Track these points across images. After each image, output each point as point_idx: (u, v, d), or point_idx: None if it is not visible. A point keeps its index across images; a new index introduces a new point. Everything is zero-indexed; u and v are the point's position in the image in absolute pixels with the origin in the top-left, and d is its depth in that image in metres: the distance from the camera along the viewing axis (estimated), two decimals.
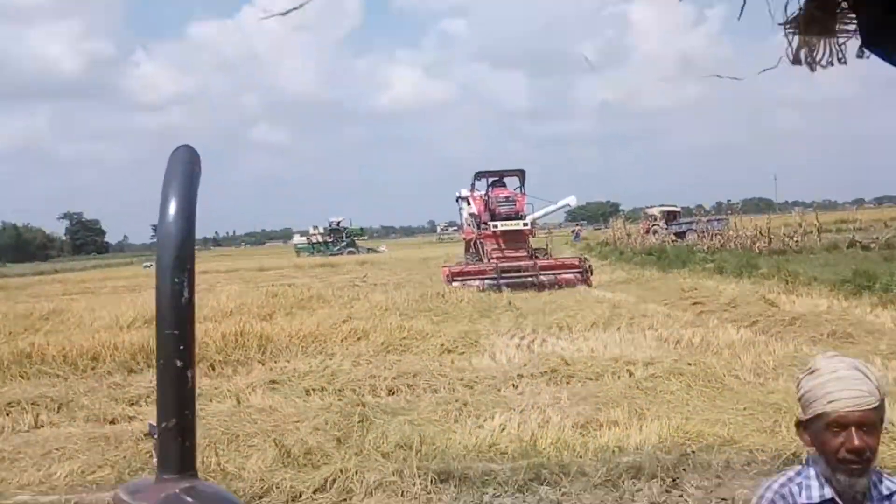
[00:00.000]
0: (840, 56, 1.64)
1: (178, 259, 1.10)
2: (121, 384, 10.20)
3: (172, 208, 1.11)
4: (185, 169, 1.15)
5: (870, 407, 1.93)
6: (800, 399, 2.06)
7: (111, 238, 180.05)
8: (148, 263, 73.83)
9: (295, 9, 1.29)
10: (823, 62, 1.68)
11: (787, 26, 1.64)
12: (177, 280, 1.10)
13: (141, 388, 9.80)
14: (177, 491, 1.09)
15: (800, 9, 1.59)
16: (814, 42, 1.65)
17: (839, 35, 1.61)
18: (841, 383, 1.95)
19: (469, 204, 26.68)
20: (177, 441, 1.11)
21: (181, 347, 1.11)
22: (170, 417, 1.11)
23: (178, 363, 1.11)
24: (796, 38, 1.65)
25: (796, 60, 1.69)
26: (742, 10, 1.63)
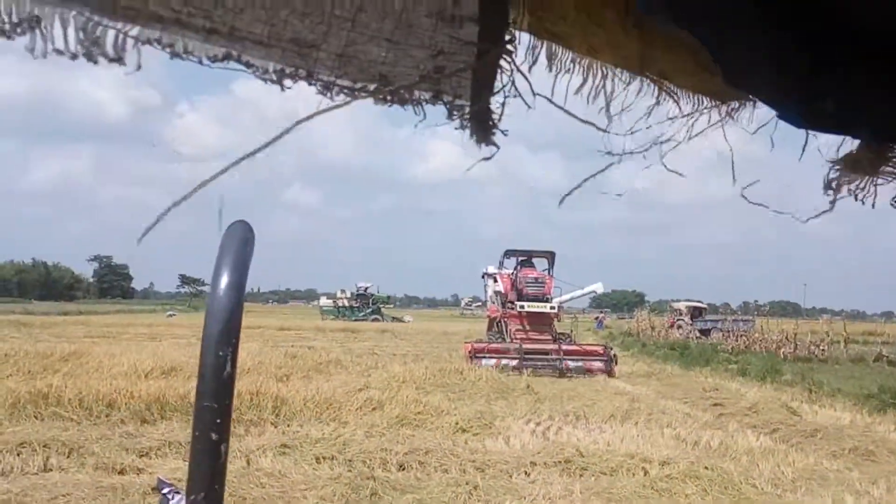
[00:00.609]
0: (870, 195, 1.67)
1: (224, 332, 1.10)
2: (133, 434, 10.18)
3: (224, 281, 1.11)
4: (240, 244, 1.17)
5: None
6: None
7: (137, 284, 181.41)
8: (172, 312, 74.22)
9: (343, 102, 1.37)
10: (868, 201, 1.71)
11: (835, 165, 1.68)
12: (221, 353, 1.10)
13: (153, 440, 9.77)
14: None
15: (851, 150, 1.63)
16: (860, 181, 1.68)
17: (887, 177, 1.64)
18: None
19: (496, 281, 26.38)
20: None
21: (218, 421, 1.11)
22: (199, 490, 1.10)
23: (214, 436, 1.11)
24: (842, 176, 1.69)
25: (837, 193, 1.72)
26: (803, 152, 1.67)
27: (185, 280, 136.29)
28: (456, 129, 1.34)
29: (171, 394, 11.87)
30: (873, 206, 1.69)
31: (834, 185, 1.71)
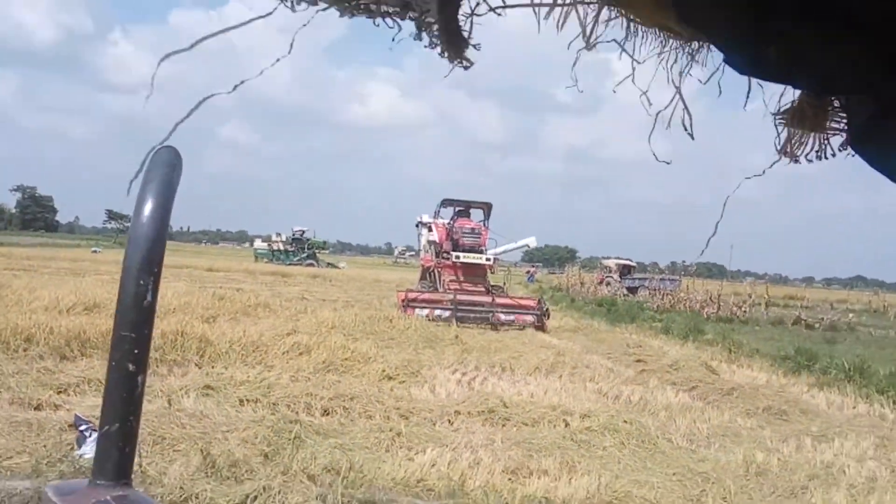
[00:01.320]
0: (825, 152, 1.68)
1: (146, 261, 1.05)
2: (51, 370, 9.94)
3: (147, 209, 1.06)
4: (166, 171, 1.11)
5: None
6: None
7: (62, 217, 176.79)
8: (96, 248, 72.49)
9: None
10: (809, 156, 1.71)
11: (778, 117, 1.68)
12: (142, 282, 1.05)
13: (72, 377, 9.56)
14: (108, 498, 1.03)
15: (793, 102, 1.62)
16: (801, 135, 1.68)
17: (827, 132, 1.64)
18: None
19: (430, 231, 26.14)
20: (116, 447, 1.05)
21: (135, 351, 1.05)
22: (113, 422, 1.05)
23: (130, 367, 1.05)
24: (785, 129, 1.69)
25: (783, 151, 1.72)
26: (746, 100, 1.67)
27: (112, 216, 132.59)
28: (426, 47, 1.29)
29: (92, 330, 11.62)
30: (823, 156, 1.69)
31: (780, 139, 1.71)
